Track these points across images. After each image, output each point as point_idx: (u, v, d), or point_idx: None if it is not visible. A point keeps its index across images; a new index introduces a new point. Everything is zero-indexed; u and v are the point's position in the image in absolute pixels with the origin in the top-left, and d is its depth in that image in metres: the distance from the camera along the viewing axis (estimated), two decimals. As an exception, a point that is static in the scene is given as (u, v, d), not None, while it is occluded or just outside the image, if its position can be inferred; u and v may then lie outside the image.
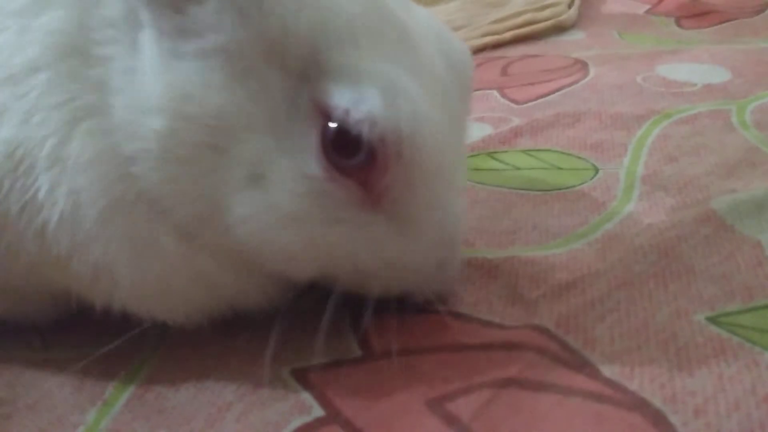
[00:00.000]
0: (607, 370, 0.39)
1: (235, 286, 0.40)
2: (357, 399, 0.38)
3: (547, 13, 0.92)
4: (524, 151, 0.62)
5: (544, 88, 0.75)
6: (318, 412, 0.38)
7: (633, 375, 0.39)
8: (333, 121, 0.36)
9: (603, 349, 0.41)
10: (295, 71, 0.36)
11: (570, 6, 0.95)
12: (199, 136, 0.36)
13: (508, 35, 0.88)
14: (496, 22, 0.89)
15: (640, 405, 0.37)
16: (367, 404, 0.38)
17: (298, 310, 0.42)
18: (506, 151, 0.62)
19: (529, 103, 0.72)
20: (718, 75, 0.75)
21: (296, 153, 0.37)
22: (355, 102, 0.36)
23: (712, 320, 0.42)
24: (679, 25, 0.96)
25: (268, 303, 0.42)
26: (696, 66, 0.79)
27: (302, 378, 0.40)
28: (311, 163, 0.37)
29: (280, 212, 0.37)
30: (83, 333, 0.44)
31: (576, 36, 0.91)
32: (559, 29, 0.91)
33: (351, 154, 0.37)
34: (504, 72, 0.79)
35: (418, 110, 0.37)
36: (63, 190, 0.36)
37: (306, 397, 0.39)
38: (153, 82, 0.36)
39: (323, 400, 0.38)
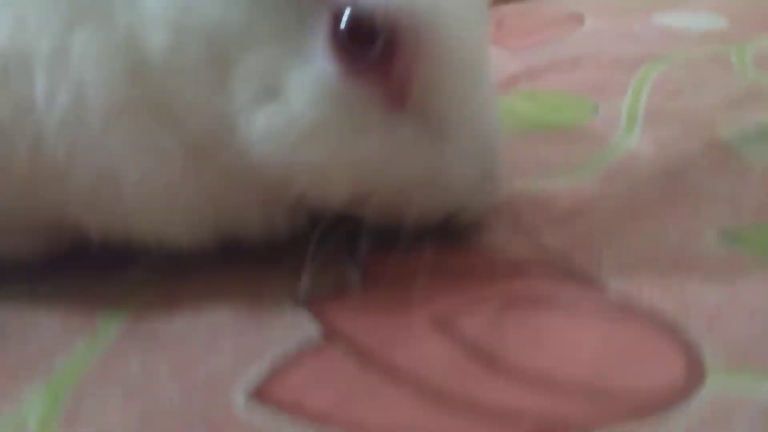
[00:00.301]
0: (616, 285, 0.38)
1: (242, 210, 0.39)
2: (359, 321, 0.37)
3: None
4: (523, 95, 0.61)
5: (541, 36, 0.74)
6: (319, 332, 0.36)
7: (642, 288, 0.37)
8: (343, 11, 0.34)
9: (611, 266, 0.39)
10: None
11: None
12: (203, 48, 0.34)
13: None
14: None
15: (650, 316, 0.35)
16: (370, 325, 0.36)
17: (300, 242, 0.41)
18: (505, 95, 0.61)
19: (525, 51, 0.70)
20: (716, 23, 0.74)
21: (309, 58, 0.35)
22: None
23: (723, 237, 0.41)
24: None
25: (272, 231, 0.40)
26: (693, 15, 0.77)
27: (303, 303, 0.38)
28: (325, 64, 0.35)
29: (301, 124, 0.35)
30: (72, 268, 0.43)
31: (571, -8, 0.90)
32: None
33: (366, 45, 0.34)
34: (499, 27, 0.78)
35: None
36: (65, 87, 0.34)
37: (307, 319, 0.37)
38: (155, 4, 0.34)
39: (325, 323, 0.37)
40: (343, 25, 0.34)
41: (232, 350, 0.36)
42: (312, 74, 0.35)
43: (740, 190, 0.45)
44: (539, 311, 0.36)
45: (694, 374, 0.32)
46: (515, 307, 0.37)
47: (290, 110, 0.35)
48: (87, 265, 0.42)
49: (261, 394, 0.32)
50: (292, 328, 0.37)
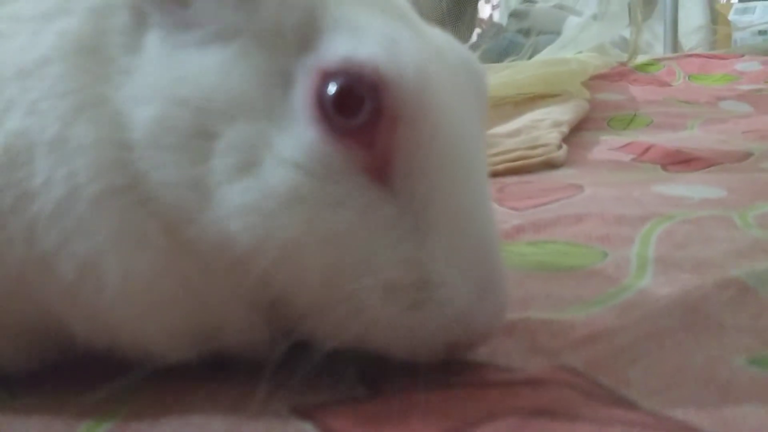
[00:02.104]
0: (647, 403, 0.35)
1: (221, 305, 0.36)
2: (364, 428, 0.33)
3: (538, 150, 0.94)
4: (528, 243, 0.61)
5: (543, 199, 0.75)
6: (320, 439, 0.33)
7: (676, 406, 0.34)
8: (330, 75, 0.34)
9: (639, 387, 0.37)
10: (292, 44, 0.35)
11: (559, 148, 0.98)
12: (190, 121, 0.34)
13: (501, 167, 0.89)
14: (489, 156, 0.91)
15: (689, 429, 0.32)
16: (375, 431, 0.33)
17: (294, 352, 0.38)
18: (509, 244, 0.60)
19: (529, 210, 0.71)
20: (715, 192, 0.76)
21: (292, 127, 0.34)
22: (356, 46, 0.34)
23: (752, 362, 0.38)
24: (665, 170, 0.98)
25: (255, 335, 0.37)
26: (691, 186, 0.79)
27: (302, 412, 0.35)
28: (306, 129, 0.34)
29: (276, 196, 0.33)
30: (57, 380, 0.39)
31: (568, 171, 0.92)
32: (551, 165, 0.93)
33: (352, 111, 0.34)
34: (501, 191, 0.79)
35: (422, 65, 0.34)
36: (61, 174, 0.34)
37: (306, 427, 0.34)
38: (151, 73, 0.35)
39: (325, 429, 0.33)
40: (330, 89, 0.34)
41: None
42: (291, 141, 0.34)
43: (762, 323, 0.43)
44: (564, 423, 0.33)
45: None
46: (537, 419, 0.33)
47: (267, 184, 0.34)
48: (72, 377, 0.39)
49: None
50: (289, 436, 0.33)
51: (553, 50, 1.72)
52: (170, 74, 0.35)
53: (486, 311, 0.36)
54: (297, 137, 0.34)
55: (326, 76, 0.34)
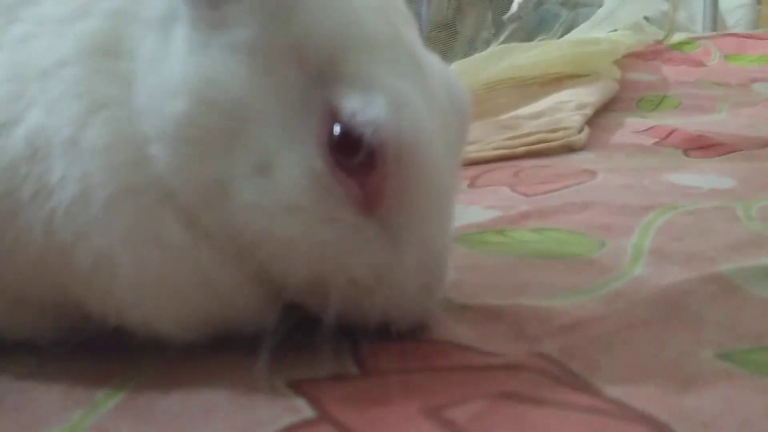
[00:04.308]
0: (611, 391, 0.38)
1: (232, 290, 0.40)
2: (350, 405, 0.37)
3: (559, 134, 0.96)
4: (531, 230, 0.63)
5: (553, 185, 0.77)
6: (309, 413, 0.36)
7: (638, 394, 0.37)
8: (340, 122, 0.38)
9: (607, 374, 0.39)
10: (313, 73, 0.39)
11: (580, 132, 0.99)
12: (216, 120, 0.38)
13: (520, 150, 0.91)
14: (509, 138, 0.94)
15: (645, 419, 0.35)
16: (361, 410, 0.37)
17: (294, 327, 0.42)
18: (514, 229, 0.63)
19: (538, 196, 0.73)
20: (724, 183, 0.77)
21: (304, 147, 0.39)
22: (363, 106, 0.38)
23: (721, 356, 0.41)
24: (686, 155, 0.99)
25: (261, 315, 0.41)
26: (702, 175, 0.81)
27: (296, 387, 0.39)
28: (316, 158, 0.38)
29: (282, 201, 0.38)
30: (79, 350, 0.44)
31: (586, 155, 0.94)
32: (570, 149, 0.94)
33: (353, 154, 0.38)
34: (516, 175, 0.81)
35: (420, 124, 0.40)
36: (75, 174, 0.38)
37: (298, 401, 0.37)
38: (180, 68, 0.38)
39: (316, 404, 0.37)
40: (335, 132, 0.38)
41: (222, 429, 0.36)
42: (303, 162, 0.38)
43: (739, 319, 0.45)
44: (529, 407, 0.36)
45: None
46: (506, 402, 0.37)
47: (276, 187, 0.38)
48: (93, 345, 0.43)
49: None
50: (284, 411, 0.37)
51: (588, 27, 1.71)
52: (199, 73, 0.38)
53: (420, 304, 0.42)
54: (306, 158, 0.38)
55: (336, 121, 0.38)
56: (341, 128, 0.38)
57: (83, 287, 0.40)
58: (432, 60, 0.45)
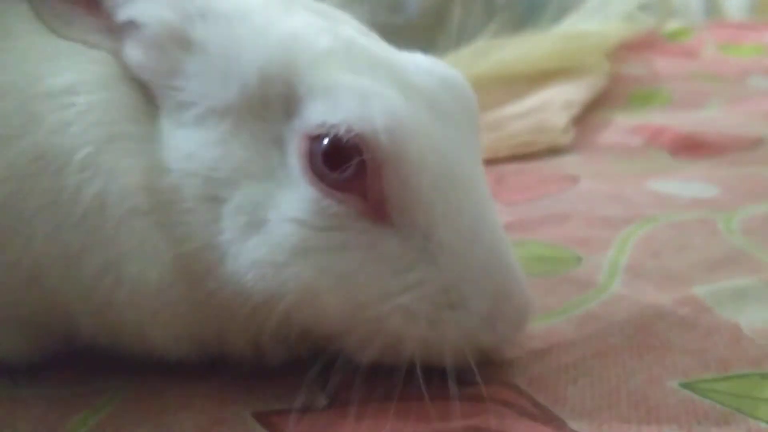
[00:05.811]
0: (575, 425, 0.38)
1: (227, 329, 0.41)
2: (316, 437, 0.38)
3: (543, 135, 0.96)
4: (513, 243, 0.63)
5: (536, 192, 0.77)
6: (275, 448, 0.37)
7: (602, 427, 0.38)
8: (314, 138, 0.38)
9: (573, 407, 0.40)
10: (279, 112, 0.39)
11: (566, 131, 0.99)
12: (201, 190, 0.39)
13: (504, 152, 0.91)
14: (493, 141, 0.93)
15: (606, 455, 0.36)
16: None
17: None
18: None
19: (520, 205, 0.73)
20: (707, 191, 0.77)
21: (292, 185, 0.39)
22: (330, 111, 0.38)
23: (685, 386, 0.41)
24: (673, 157, 0.99)
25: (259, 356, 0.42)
26: (685, 183, 0.81)
27: (262, 418, 0.39)
28: (308, 188, 0.38)
29: (285, 250, 0.38)
30: (54, 371, 0.44)
31: (570, 158, 0.94)
32: (554, 150, 0.94)
33: (339, 166, 0.38)
34: (499, 182, 0.81)
35: (393, 108, 0.38)
36: (91, 191, 0.39)
37: (264, 433, 0.38)
38: (164, 149, 0.40)
39: (282, 438, 0.38)
40: (317, 150, 0.38)
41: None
42: (293, 199, 0.38)
43: (707, 345, 0.46)
44: (493, 442, 0.37)
45: None
46: (471, 437, 0.37)
47: (276, 238, 0.38)
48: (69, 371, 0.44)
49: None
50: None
51: (577, 19, 1.70)
52: (178, 151, 0.39)
53: (505, 317, 0.40)
54: (297, 195, 0.38)
55: (311, 140, 0.38)
56: (318, 143, 0.38)
57: (81, 299, 0.40)
58: (411, 57, 0.45)
